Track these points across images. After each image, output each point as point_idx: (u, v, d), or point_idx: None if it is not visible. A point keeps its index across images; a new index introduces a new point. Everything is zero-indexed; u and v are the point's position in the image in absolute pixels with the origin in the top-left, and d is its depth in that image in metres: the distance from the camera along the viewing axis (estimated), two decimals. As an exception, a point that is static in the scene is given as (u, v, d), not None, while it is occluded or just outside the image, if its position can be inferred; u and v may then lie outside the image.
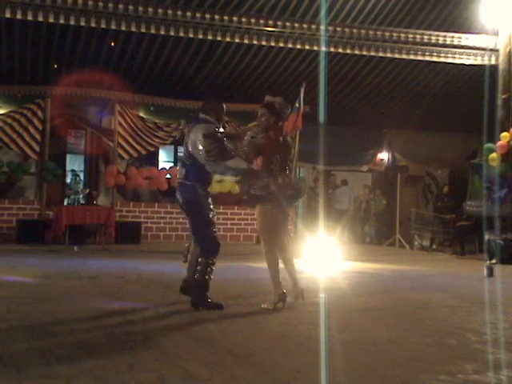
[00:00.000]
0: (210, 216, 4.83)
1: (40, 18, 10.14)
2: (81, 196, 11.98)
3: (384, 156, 15.01)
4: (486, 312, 5.05)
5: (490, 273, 7.68)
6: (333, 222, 12.39)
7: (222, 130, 5.02)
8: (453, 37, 12.06)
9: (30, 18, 10.09)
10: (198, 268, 4.76)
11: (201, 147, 4.68)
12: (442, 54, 12.21)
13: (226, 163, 4.71)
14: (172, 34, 10.96)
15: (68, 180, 12.60)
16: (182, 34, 11.02)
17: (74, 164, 13.34)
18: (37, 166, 12.17)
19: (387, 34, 11.83)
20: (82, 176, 12.96)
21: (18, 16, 10.03)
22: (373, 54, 12.06)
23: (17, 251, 9.43)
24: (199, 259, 4.79)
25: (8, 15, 10.00)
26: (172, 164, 13.66)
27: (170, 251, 10.25)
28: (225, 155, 4.72)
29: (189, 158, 4.84)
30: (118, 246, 10.82)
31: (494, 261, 9.17)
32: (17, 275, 6.69)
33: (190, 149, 4.80)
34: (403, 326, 4.51)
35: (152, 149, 12.79)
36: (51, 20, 10.21)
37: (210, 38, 11.20)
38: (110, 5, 10.29)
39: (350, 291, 5.80)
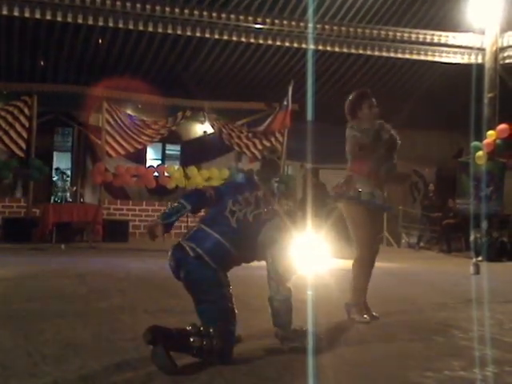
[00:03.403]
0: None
1: (26, 14, 10.04)
2: (68, 194, 11.90)
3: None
4: (472, 309, 5.09)
5: (477, 270, 7.74)
6: (320, 219, 12.40)
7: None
8: (440, 35, 12.12)
9: (16, 13, 9.99)
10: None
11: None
12: (430, 53, 12.27)
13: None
14: (160, 30, 10.91)
15: (54, 178, 12.51)
16: (169, 31, 10.97)
17: (61, 162, 13.24)
18: (23, 163, 12.07)
19: (375, 32, 11.86)
20: (69, 173, 12.87)
21: (4, 12, 9.92)
22: (361, 52, 12.09)
23: (3, 250, 9.34)
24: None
25: (-6, 11, 9.90)
26: (160, 162, 13.61)
27: (157, 249, 10.20)
28: None
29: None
30: (105, 244, 10.76)
31: (480, 258, 9.24)
32: (3, 274, 6.64)
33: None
34: (390, 323, 4.53)
35: (140, 146, 12.73)
36: (38, 16, 10.11)
37: (198, 34, 11.16)
38: (98, 0, 10.21)
39: (337, 288, 5.80)
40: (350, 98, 4.81)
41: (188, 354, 3.17)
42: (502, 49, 11.75)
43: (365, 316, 4.57)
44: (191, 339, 3.11)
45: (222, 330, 3.22)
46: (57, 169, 12.49)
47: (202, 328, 3.19)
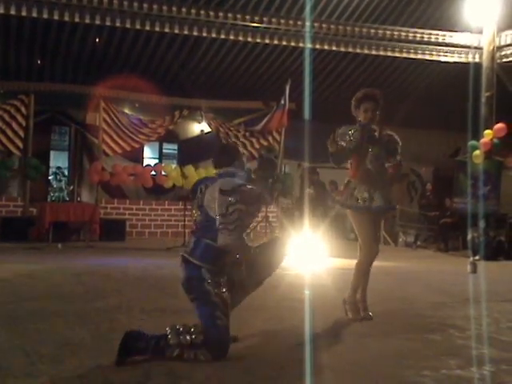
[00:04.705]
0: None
1: (23, 13, 10.01)
2: (65, 193, 11.87)
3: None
4: (469, 308, 5.09)
5: (474, 269, 7.75)
6: (318, 218, 12.40)
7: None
8: (437, 35, 12.12)
9: (12, 12, 9.94)
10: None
11: (216, 207, 3.46)
12: (427, 52, 12.27)
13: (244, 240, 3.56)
14: (157, 29, 10.88)
15: (50, 177, 12.48)
16: (167, 30, 10.94)
17: (58, 161, 13.21)
18: (20, 162, 12.05)
19: (372, 31, 11.85)
20: (65, 173, 12.84)
21: (1, 10, 9.87)
22: (358, 51, 12.08)
23: (0, 249, 9.32)
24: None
25: (-10, 10, 9.86)
26: (157, 161, 13.60)
27: (154, 248, 10.22)
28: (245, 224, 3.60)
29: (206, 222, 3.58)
30: (102, 243, 10.74)
31: (477, 257, 9.25)
32: (0, 273, 6.63)
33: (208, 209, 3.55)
34: (387, 322, 4.53)
35: (137, 145, 12.72)
36: (34, 15, 10.07)
37: (195, 33, 11.14)
38: (95, -1, 10.19)
39: (334, 287, 5.81)
40: (357, 94, 4.84)
41: (172, 354, 3.25)
42: (500, 48, 11.76)
43: (362, 314, 4.57)
44: (169, 337, 3.28)
45: (208, 324, 3.33)
46: (58, 168, 12.46)
47: (179, 327, 3.32)
